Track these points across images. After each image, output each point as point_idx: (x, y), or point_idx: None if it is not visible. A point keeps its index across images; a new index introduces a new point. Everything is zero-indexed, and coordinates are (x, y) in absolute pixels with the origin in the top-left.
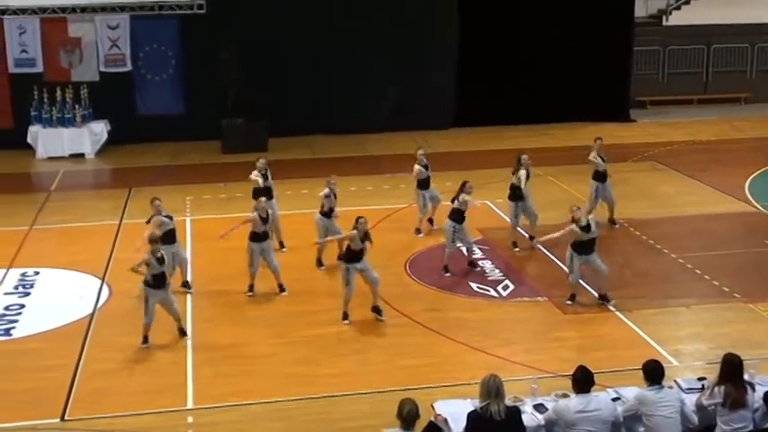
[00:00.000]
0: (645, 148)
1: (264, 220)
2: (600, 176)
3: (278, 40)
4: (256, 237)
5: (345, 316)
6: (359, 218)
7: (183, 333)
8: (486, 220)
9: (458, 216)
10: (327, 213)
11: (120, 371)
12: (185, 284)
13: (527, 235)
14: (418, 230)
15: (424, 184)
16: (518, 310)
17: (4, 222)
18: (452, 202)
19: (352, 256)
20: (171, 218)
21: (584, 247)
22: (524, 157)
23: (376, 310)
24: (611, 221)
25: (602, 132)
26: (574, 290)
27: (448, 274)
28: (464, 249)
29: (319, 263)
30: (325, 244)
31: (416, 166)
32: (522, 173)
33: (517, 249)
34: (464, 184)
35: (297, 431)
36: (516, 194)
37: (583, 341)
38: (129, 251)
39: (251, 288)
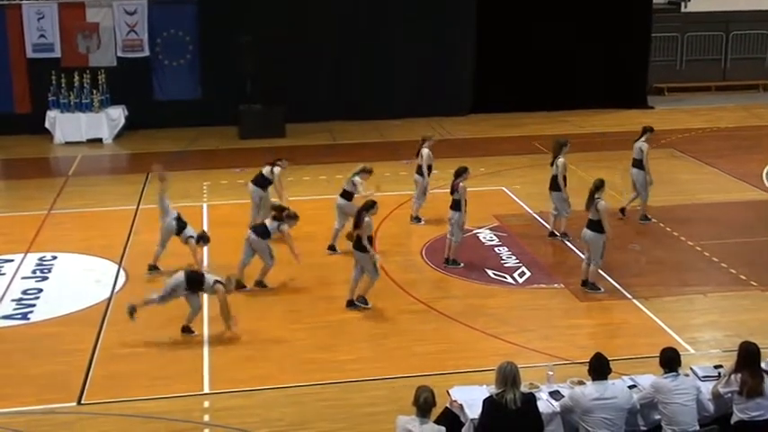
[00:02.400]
0: (663, 135)
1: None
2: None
3: (296, 26)
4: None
5: (365, 301)
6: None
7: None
8: (503, 207)
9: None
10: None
11: (137, 355)
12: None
13: (550, 229)
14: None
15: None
16: (534, 297)
17: (22, 207)
18: (452, 194)
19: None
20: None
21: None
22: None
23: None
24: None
25: (620, 119)
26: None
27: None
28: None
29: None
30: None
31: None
32: (560, 161)
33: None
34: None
35: (313, 416)
36: (552, 184)
37: (599, 328)
38: (147, 236)
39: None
